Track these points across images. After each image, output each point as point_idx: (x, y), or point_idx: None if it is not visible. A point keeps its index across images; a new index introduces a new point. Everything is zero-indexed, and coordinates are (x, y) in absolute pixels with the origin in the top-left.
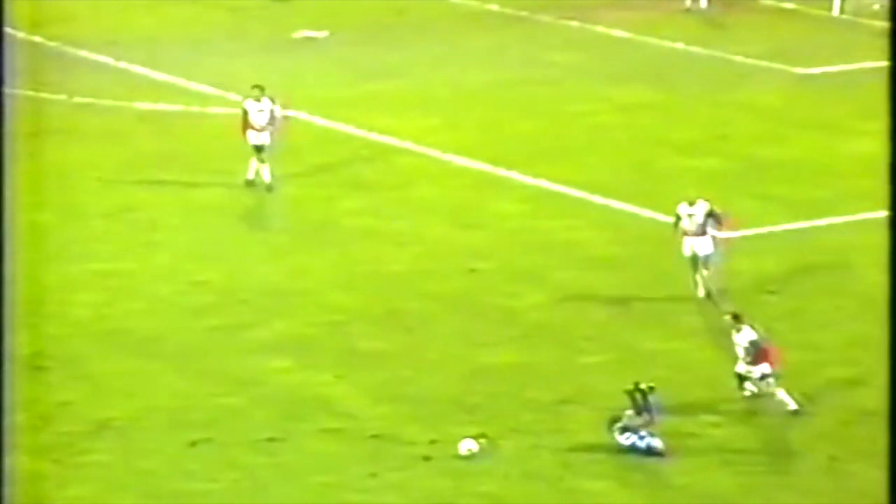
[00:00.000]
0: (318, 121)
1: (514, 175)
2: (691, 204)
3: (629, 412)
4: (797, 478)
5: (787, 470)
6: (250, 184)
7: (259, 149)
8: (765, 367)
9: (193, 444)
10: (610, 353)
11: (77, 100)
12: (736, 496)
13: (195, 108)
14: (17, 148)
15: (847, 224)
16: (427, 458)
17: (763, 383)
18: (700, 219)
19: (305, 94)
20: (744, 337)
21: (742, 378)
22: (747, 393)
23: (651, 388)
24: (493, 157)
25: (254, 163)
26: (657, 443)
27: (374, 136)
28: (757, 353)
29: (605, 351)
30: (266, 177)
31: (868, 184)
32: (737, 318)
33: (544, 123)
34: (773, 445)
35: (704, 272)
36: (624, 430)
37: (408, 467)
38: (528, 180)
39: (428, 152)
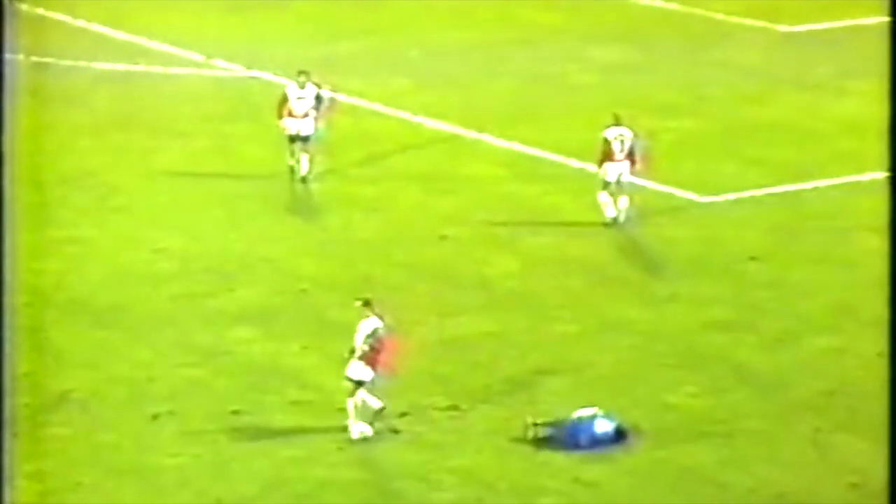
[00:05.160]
0: (283, 81)
1: (487, 138)
2: (618, 125)
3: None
4: (780, 450)
5: (769, 442)
6: (304, 179)
7: (295, 138)
8: (366, 373)
9: (156, 416)
10: (584, 322)
11: (34, 59)
12: (716, 469)
13: (157, 69)
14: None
15: (832, 187)
16: (396, 431)
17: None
18: (628, 144)
19: (270, 54)
20: (368, 325)
21: (354, 383)
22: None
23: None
24: (465, 119)
25: (296, 153)
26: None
27: (342, 98)
28: (374, 346)
29: (579, 319)
30: (304, 167)
31: (853, 146)
32: (367, 303)
33: (518, 84)
34: (754, 416)
35: (623, 198)
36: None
37: (377, 440)
38: (502, 143)
39: (398, 114)
